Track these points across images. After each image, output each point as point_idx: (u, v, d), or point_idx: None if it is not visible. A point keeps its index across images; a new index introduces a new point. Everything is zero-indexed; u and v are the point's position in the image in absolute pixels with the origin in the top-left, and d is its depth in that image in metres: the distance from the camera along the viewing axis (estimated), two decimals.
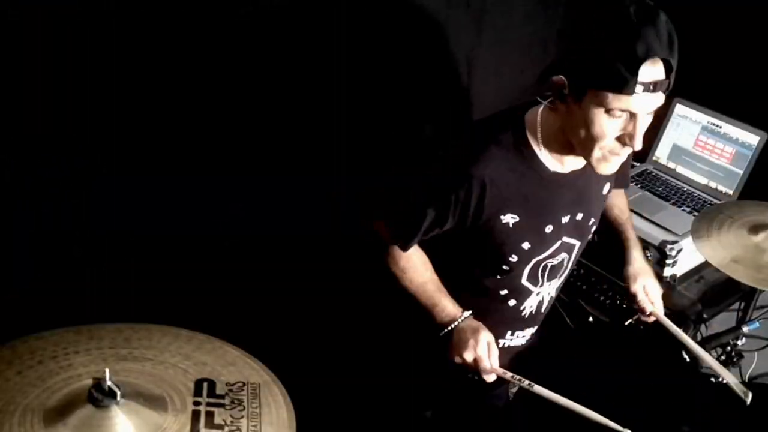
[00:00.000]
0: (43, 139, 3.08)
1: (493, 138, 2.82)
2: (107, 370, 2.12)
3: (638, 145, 2.61)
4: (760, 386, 3.47)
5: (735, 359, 3.58)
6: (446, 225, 2.87)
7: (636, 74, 2.44)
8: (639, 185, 4.35)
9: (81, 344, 2.37)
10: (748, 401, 2.88)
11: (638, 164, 4.51)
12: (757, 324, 3.52)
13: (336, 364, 3.92)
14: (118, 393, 2.12)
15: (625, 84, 2.46)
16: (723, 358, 3.58)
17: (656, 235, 3.86)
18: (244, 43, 3.42)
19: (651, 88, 2.49)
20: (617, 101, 2.50)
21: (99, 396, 2.12)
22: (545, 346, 3.32)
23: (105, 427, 2.09)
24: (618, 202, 3.38)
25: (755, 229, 3.32)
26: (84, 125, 3.15)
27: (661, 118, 4.48)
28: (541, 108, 2.81)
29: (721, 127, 4.30)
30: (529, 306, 3.10)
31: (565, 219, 2.94)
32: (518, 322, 3.15)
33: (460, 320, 2.90)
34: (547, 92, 2.77)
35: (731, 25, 4.37)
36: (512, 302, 3.06)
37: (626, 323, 3.65)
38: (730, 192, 4.24)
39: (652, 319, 3.28)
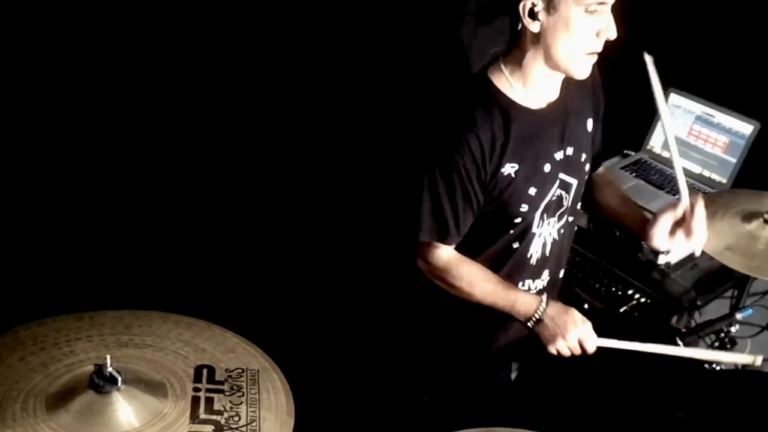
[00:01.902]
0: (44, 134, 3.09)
1: (470, 99, 2.87)
2: (108, 357, 2.13)
3: (614, 32, 2.69)
4: (754, 373, 3.47)
5: (728, 346, 3.58)
6: (473, 197, 2.87)
7: None
8: (634, 174, 4.35)
9: (82, 331, 2.37)
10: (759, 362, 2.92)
11: (633, 153, 4.51)
12: (750, 311, 3.52)
13: (334, 350, 3.92)
14: (119, 379, 2.12)
15: None
16: (717, 344, 3.58)
17: None
18: (245, 43, 3.42)
19: None
20: None
21: (100, 382, 2.12)
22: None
23: (106, 412, 2.09)
24: (611, 182, 3.40)
25: (748, 217, 3.32)
26: (89, 121, 3.15)
27: (654, 107, 4.47)
28: (499, 60, 2.88)
29: (714, 117, 4.30)
30: (535, 251, 3.08)
31: (559, 155, 2.95)
32: (526, 270, 3.11)
33: (544, 305, 2.90)
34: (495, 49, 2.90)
35: (725, 16, 4.36)
36: (520, 251, 3.04)
37: (621, 310, 3.65)
38: (724, 180, 4.24)
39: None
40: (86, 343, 2.33)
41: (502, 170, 2.84)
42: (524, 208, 2.91)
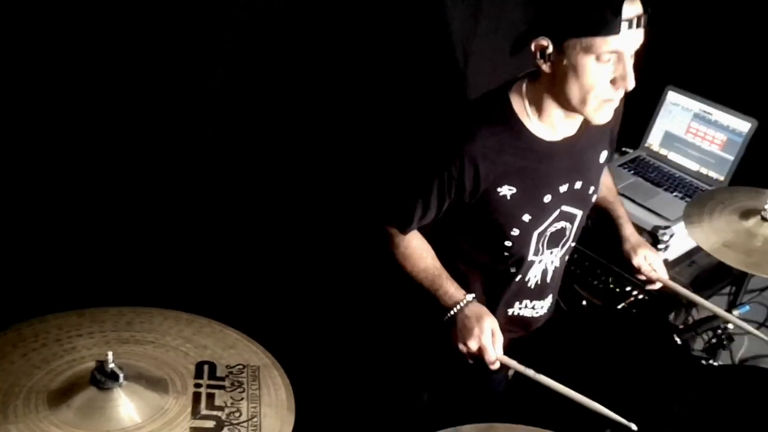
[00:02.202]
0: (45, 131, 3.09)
1: (481, 115, 2.83)
2: (110, 353, 2.13)
3: (631, 83, 2.60)
4: (750, 368, 3.48)
5: (725, 342, 3.58)
6: (443, 204, 2.87)
7: (619, 13, 2.47)
8: (632, 171, 4.35)
9: (84, 327, 2.37)
10: None
11: (631, 151, 4.52)
12: (747, 307, 3.53)
13: (335, 347, 3.92)
14: (121, 375, 2.12)
15: (611, 25, 2.49)
16: (714, 341, 3.59)
17: (649, 221, 3.87)
18: (246, 44, 3.42)
19: (634, 24, 2.52)
20: (605, 44, 2.52)
21: (102, 378, 2.12)
22: (540, 329, 3.32)
23: (108, 408, 2.09)
24: (605, 181, 3.37)
25: (746, 214, 3.33)
26: (90, 121, 3.16)
27: (653, 105, 4.49)
28: (524, 82, 2.81)
29: (712, 115, 4.31)
30: (534, 276, 3.08)
31: (563, 188, 2.91)
32: (525, 292, 3.11)
33: (462, 304, 2.88)
34: (521, 73, 2.83)
35: (723, 15, 4.37)
36: (518, 276, 3.03)
37: (619, 307, 3.66)
38: (721, 178, 4.25)
39: (658, 285, 3.29)
40: (88, 339, 2.33)
41: (498, 190, 2.81)
42: (515, 232, 2.90)
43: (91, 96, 3.12)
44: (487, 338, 2.82)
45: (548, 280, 3.13)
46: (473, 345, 2.83)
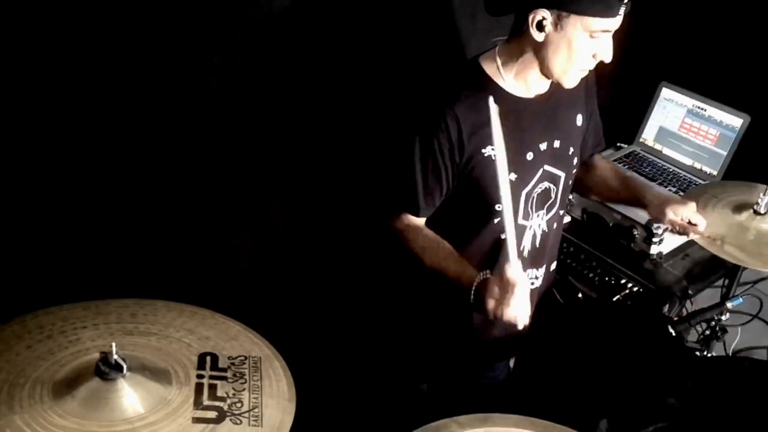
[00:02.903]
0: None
1: (454, 80, 2.92)
2: (114, 345, 2.13)
3: (610, 56, 2.76)
4: (743, 359, 3.47)
5: (719, 334, 3.57)
6: (444, 175, 2.88)
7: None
8: (627, 166, 4.35)
9: (88, 319, 2.37)
10: None
11: (626, 146, 4.52)
12: (740, 300, 3.51)
13: (335, 338, 3.92)
14: (125, 366, 2.13)
15: (615, 9, 2.66)
16: (708, 333, 3.58)
17: (643, 215, 3.84)
18: (245, 43, 3.42)
19: (627, 7, 2.69)
20: (602, 24, 2.67)
21: (106, 369, 2.12)
22: (536, 322, 3.32)
23: (111, 399, 2.10)
24: (610, 165, 3.46)
25: (739, 208, 3.33)
26: (93, 116, 3.15)
27: (648, 101, 4.48)
28: (496, 48, 2.91)
29: (705, 110, 4.30)
30: (525, 243, 3.08)
31: (543, 146, 2.96)
32: (522, 262, 3.11)
33: (482, 276, 2.82)
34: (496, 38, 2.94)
35: (716, 12, 4.37)
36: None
37: (614, 299, 3.65)
38: (715, 172, 4.24)
39: (700, 232, 3.28)
40: (92, 331, 2.33)
41: (483, 151, 2.84)
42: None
43: (93, 93, 3.12)
44: (513, 282, 2.70)
45: (538, 245, 3.13)
46: (501, 292, 2.71)
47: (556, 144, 2.99)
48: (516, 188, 2.92)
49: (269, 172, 3.69)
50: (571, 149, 3.07)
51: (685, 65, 4.46)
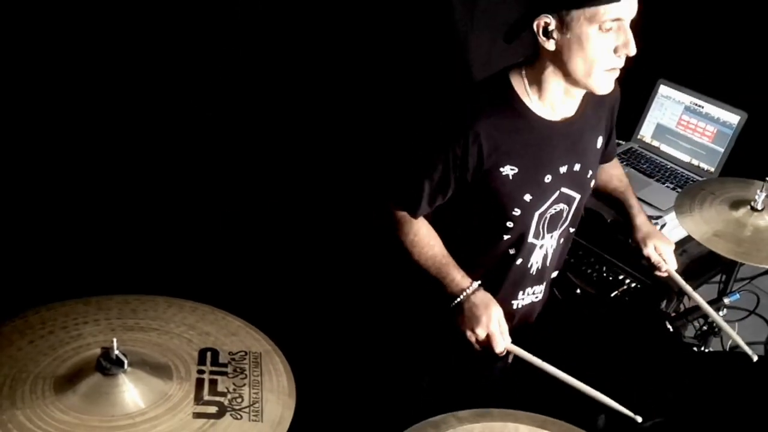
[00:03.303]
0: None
1: (484, 95, 2.84)
2: (115, 340, 2.12)
3: (633, 49, 2.62)
4: (739, 355, 3.47)
5: (716, 330, 3.58)
6: (450, 185, 2.86)
7: None
8: (624, 163, 4.34)
9: (90, 315, 2.37)
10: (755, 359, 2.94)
11: (624, 143, 4.51)
12: (737, 295, 3.52)
13: (335, 334, 3.92)
14: (126, 362, 2.12)
15: None
16: (705, 328, 3.59)
17: None
18: (245, 43, 3.41)
19: None
20: (607, 12, 2.55)
21: (107, 364, 2.12)
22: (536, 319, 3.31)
23: (113, 394, 2.09)
24: (616, 172, 3.39)
25: (736, 204, 3.33)
26: (93, 114, 3.15)
27: (646, 98, 4.48)
28: (523, 67, 2.83)
29: (703, 107, 4.30)
30: (535, 261, 3.07)
31: (563, 169, 2.91)
32: (527, 279, 3.11)
33: (469, 291, 2.87)
34: (517, 59, 2.85)
35: (713, 10, 4.36)
36: (519, 260, 3.02)
37: (612, 295, 3.65)
38: (712, 169, 4.25)
39: (665, 274, 3.28)
40: (93, 326, 2.32)
41: (501, 170, 2.81)
42: (516, 212, 2.89)
43: (97, 94, 3.12)
44: (494, 326, 2.82)
45: (547, 264, 3.13)
46: (481, 332, 2.82)
47: (576, 167, 2.95)
48: (530, 208, 2.90)
49: (269, 169, 3.69)
50: (590, 172, 3.04)
51: (682, 63, 4.46)
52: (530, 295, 3.18)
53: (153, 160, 3.34)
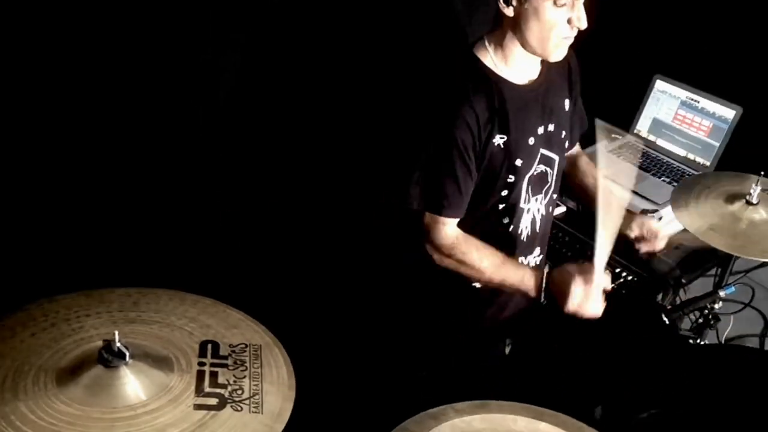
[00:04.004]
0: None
1: (458, 76, 2.92)
2: (117, 333, 2.12)
3: (583, 23, 2.75)
4: (735, 347, 3.47)
5: (712, 322, 3.57)
6: (472, 170, 2.89)
7: None
8: (621, 157, 4.34)
9: (92, 307, 2.37)
10: None
11: (620, 137, 4.51)
12: (732, 288, 3.51)
13: (334, 326, 3.92)
14: (127, 354, 2.12)
15: None
16: (701, 321, 3.58)
17: (637, 205, 3.85)
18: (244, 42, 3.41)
19: None
20: None
21: (109, 357, 2.12)
22: (532, 310, 3.31)
23: (114, 386, 2.09)
24: (590, 170, 3.38)
25: (731, 198, 3.32)
26: (93, 110, 3.15)
27: (642, 93, 4.47)
28: (485, 37, 2.93)
29: (698, 102, 4.29)
30: (525, 227, 3.09)
31: (540, 130, 2.99)
32: (519, 246, 3.13)
33: (545, 276, 2.90)
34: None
35: (709, 6, 4.36)
36: (511, 227, 3.05)
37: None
38: (708, 163, 4.24)
39: (660, 246, 3.33)
40: (95, 319, 2.32)
41: (493, 141, 2.87)
42: (511, 179, 2.94)
43: (100, 92, 3.13)
44: (576, 299, 2.81)
45: (537, 229, 3.15)
46: (574, 308, 2.82)
47: (551, 128, 3.02)
48: (521, 173, 2.96)
49: (269, 163, 3.68)
50: (563, 132, 3.11)
51: (678, 58, 4.45)
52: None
53: (154, 154, 3.33)
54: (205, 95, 3.43)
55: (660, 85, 4.43)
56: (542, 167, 3.03)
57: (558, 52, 2.85)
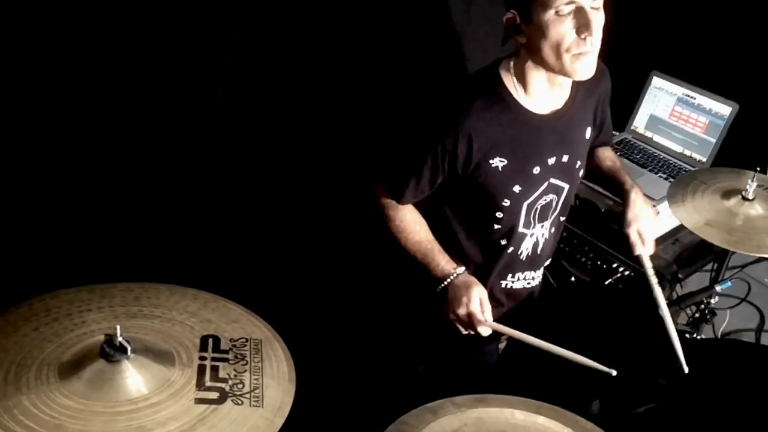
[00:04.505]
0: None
1: (474, 89, 2.87)
2: (118, 327, 2.12)
3: (596, 33, 2.64)
4: (731, 342, 3.48)
5: (708, 317, 3.58)
6: (438, 176, 2.88)
7: None
8: (618, 153, 4.33)
9: (94, 302, 2.37)
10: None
11: (617, 133, 4.51)
12: (729, 283, 3.52)
13: (334, 321, 3.92)
14: (129, 348, 2.12)
15: None
16: (697, 315, 3.59)
17: None
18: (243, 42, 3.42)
19: None
20: None
21: (110, 351, 2.12)
22: (530, 304, 3.31)
23: (116, 380, 2.09)
24: (608, 154, 3.38)
25: (727, 194, 3.33)
26: (93, 107, 3.15)
27: (639, 90, 4.48)
28: (510, 60, 2.86)
29: (695, 99, 4.30)
30: (525, 249, 3.08)
31: (551, 161, 2.92)
32: (517, 265, 3.12)
33: (453, 276, 2.90)
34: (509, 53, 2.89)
35: (706, 2, 4.37)
36: (510, 249, 3.04)
37: (606, 283, 3.65)
38: (704, 159, 4.24)
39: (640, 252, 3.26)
40: (97, 314, 2.33)
41: (491, 162, 2.83)
42: (506, 203, 2.91)
43: (99, 90, 3.12)
44: (475, 305, 2.84)
45: (539, 251, 3.13)
46: (462, 311, 2.85)
47: (565, 158, 2.97)
48: (519, 199, 2.93)
49: (269, 159, 3.69)
50: (579, 162, 3.05)
51: (675, 55, 4.46)
52: (521, 280, 3.19)
53: (154, 153, 3.33)
54: (205, 95, 3.43)
55: (657, 81, 4.43)
56: (550, 196, 3.00)
57: (580, 68, 2.70)
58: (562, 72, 2.74)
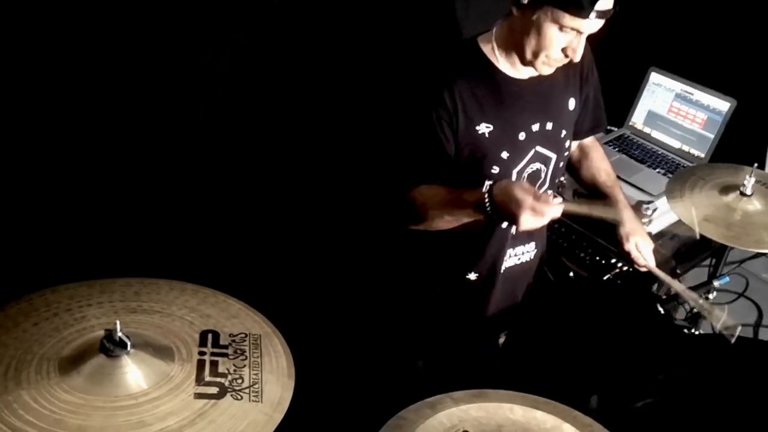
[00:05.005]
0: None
1: (451, 57, 2.91)
2: (118, 322, 2.12)
3: (578, 58, 2.72)
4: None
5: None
6: (448, 145, 2.85)
7: (595, 3, 2.56)
8: (617, 149, 4.34)
9: (93, 298, 2.37)
10: (733, 341, 2.90)
11: (616, 129, 4.51)
12: (727, 278, 3.52)
13: (333, 316, 3.92)
14: (129, 343, 2.12)
15: (584, 10, 2.57)
16: (695, 311, 3.59)
17: (633, 196, 3.86)
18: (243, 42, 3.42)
19: (602, 15, 2.62)
20: (572, 21, 2.61)
21: (110, 346, 2.12)
22: (528, 300, 3.31)
23: (116, 375, 2.09)
24: (604, 166, 3.36)
25: (725, 189, 3.33)
26: (94, 104, 3.15)
27: (637, 86, 4.48)
28: (494, 28, 2.88)
29: (693, 95, 4.30)
30: None
31: (536, 127, 2.94)
32: (510, 239, 3.10)
33: (488, 192, 2.63)
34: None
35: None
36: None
37: (604, 278, 3.65)
38: (702, 155, 4.24)
39: (645, 269, 3.26)
40: (97, 309, 2.33)
41: (477, 128, 2.83)
42: (495, 170, 2.90)
43: (100, 89, 3.13)
44: (526, 185, 2.61)
45: None
46: (524, 197, 2.54)
47: (549, 126, 2.97)
48: (508, 166, 2.91)
49: (268, 156, 3.69)
50: (563, 132, 3.04)
51: (673, 51, 4.46)
52: (514, 257, 3.15)
53: (155, 152, 3.34)
54: (205, 95, 3.43)
55: (655, 77, 4.43)
56: (537, 165, 2.99)
57: (544, 68, 2.80)
58: (526, 62, 2.81)
